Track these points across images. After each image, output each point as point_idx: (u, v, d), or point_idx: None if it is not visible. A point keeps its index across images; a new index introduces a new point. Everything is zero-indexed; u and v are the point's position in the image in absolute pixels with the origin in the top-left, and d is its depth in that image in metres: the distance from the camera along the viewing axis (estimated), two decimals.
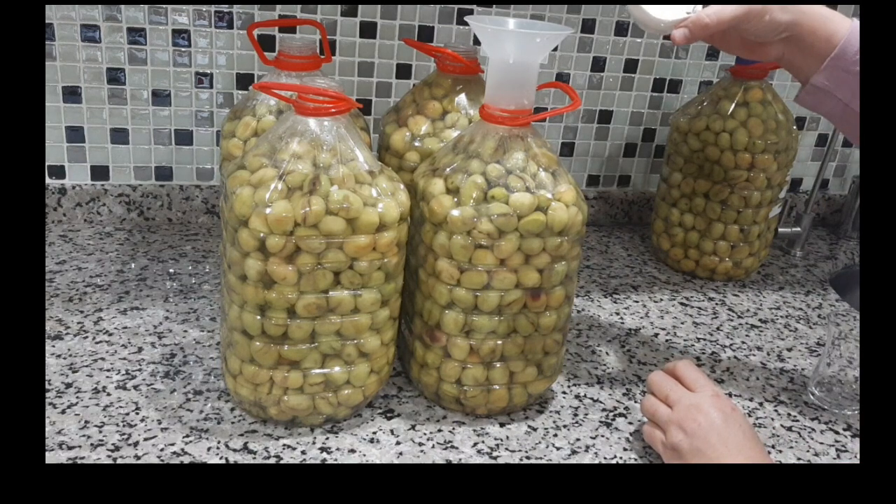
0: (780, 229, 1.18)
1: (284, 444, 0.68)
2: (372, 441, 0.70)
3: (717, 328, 0.96)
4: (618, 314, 0.97)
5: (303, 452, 0.67)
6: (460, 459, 0.69)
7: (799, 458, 0.74)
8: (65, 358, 0.76)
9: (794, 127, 1.04)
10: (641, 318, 0.97)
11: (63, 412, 0.69)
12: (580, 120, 1.19)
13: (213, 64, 1.03)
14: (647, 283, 1.06)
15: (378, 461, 0.67)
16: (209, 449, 0.66)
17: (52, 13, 0.96)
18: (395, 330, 0.71)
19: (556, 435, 0.73)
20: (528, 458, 0.70)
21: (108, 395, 0.71)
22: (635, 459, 0.71)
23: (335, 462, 0.67)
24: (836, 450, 0.76)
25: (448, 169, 0.69)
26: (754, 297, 1.05)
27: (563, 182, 0.69)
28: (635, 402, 0.79)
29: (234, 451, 0.66)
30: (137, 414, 0.69)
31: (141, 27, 0.99)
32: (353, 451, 0.68)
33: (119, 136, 1.04)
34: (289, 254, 0.62)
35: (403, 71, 1.09)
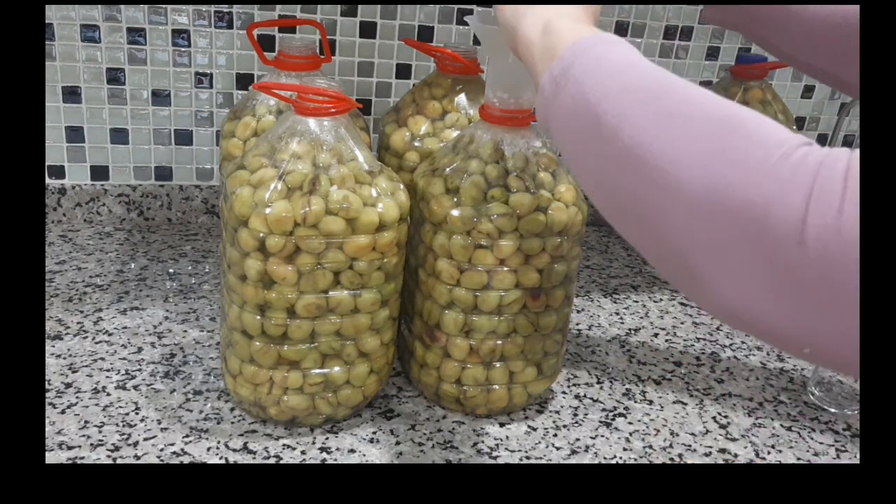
0: None
1: (284, 444, 0.68)
2: (372, 441, 0.70)
3: (717, 328, 0.96)
4: (618, 314, 0.97)
5: (303, 452, 0.67)
6: (460, 459, 0.69)
7: (799, 458, 0.74)
8: (64, 358, 0.76)
9: (794, 127, 1.04)
10: (641, 318, 0.97)
11: (63, 412, 0.69)
12: None
13: (213, 64, 1.03)
14: (647, 283, 1.06)
15: (378, 461, 0.67)
16: (209, 449, 0.66)
17: (52, 13, 0.96)
18: (394, 330, 0.71)
19: (555, 435, 0.73)
20: (527, 458, 0.70)
21: (108, 395, 0.71)
22: (635, 459, 0.71)
23: (335, 462, 0.67)
24: (836, 450, 0.76)
25: (448, 169, 0.69)
26: None
27: (563, 182, 0.69)
28: (635, 402, 0.79)
29: (234, 451, 0.66)
30: (137, 414, 0.69)
31: (141, 27, 0.99)
32: (352, 451, 0.68)
33: (119, 136, 1.04)
34: (288, 254, 0.62)
35: (403, 71, 1.09)
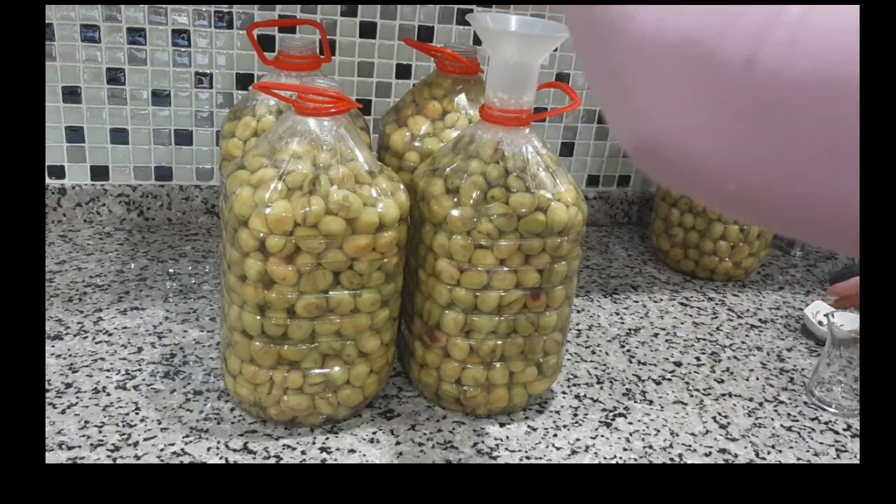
0: None
1: (284, 444, 0.68)
2: (372, 441, 0.70)
3: (717, 328, 0.96)
4: (618, 314, 0.97)
5: (303, 452, 0.67)
6: (460, 459, 0.69)
7: (799, 458, 0.74)
8: (65, 358, 0.76)
9: None
10: (641, 318, 0.97)
11: (63, 412, 0.69)
12: (580, 120, 1.19)
13: (213, 64, 1.03)
14: (647, 283, 1.06)
15: (378, 461, 0.67)
16: (209, 449, 0.66)
17: (52, 13, 0.96)
18: (394, 330, 0.71)
19: (555, 435, 0.73)
20: (527, 458, 0.70)
21: (108, 395, 0.71)
22: (635, 459, 0.71)
23: (335, 462, 0.67)
24: (836, 450, 0.76)
25: (448, 169, 0.69)
26: (754, 297, 1.05)
27: (563, 182, 0.69)
28: (635, 402, 0.79)
29: (234, 451, 0.66)
30: (137, 414, 0.69)
31: (141, 27, 0.99)
32: (353, 451, 0.68)
33: (119, 136, 1.04)
34: (289, 254, 0.62)
35: (403, 71, 1.09)
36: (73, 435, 0.66)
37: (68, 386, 0.72)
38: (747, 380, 0.86)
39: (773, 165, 0.36)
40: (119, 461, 0.64)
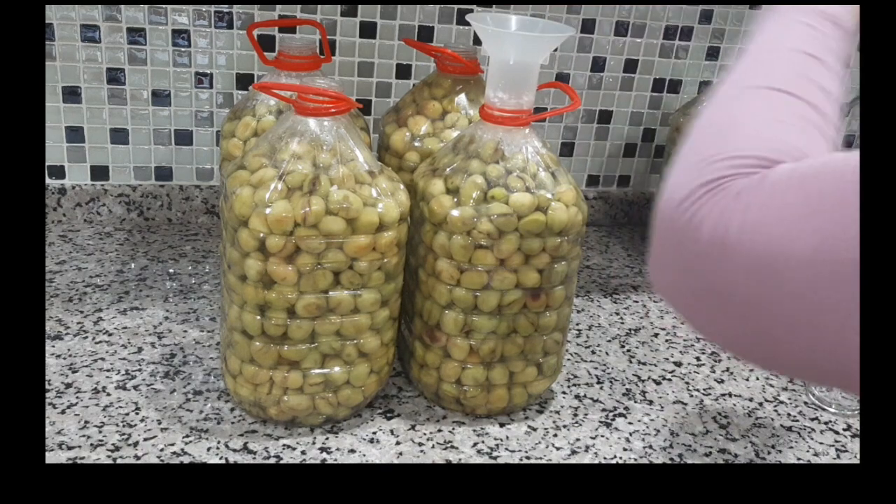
0: None
1: (284, 444, 0.68)
2: (372, 441, 0.70)
3: None
4: (618, 314, 0.97)
5: (303, 452, 0.67)
6: (460, 459, 0.69)
7: (799, 458, 0.74)
8: (65, 358, 0.76)
9: None
10: (641, 318, 0.97)
11: (63, 412, 0.69)
12: (580, 120, 1.19)
13: (213, 64, 1.03)
14: (647, 283, 1.06)
15: (378, 461, 0.67)
16: (209, 449, 0.66)
17: (52, 13, 0.96)
18: (394, 330, 0.71)
19: (555, 435, 0.73)
20: (527, 458, 0.70)
21: (108, 395, 0.71)
22: (635, 459, 0.71)
23: (335, 462, 0.67)
24: (836, 450, 0.76)
25: (448, 169, 0.69)
26: None
27: (563, 182, 0.69)
28: (635, 402, 0.79)
29: (234, 451, 0.66)
30: (137, 414, 0.69)
31: (141, 27, 0.99)
32: (353, 451, 0.68)
33: (119, 136, 1.04)
34: (289, 254, 0.62)
35: (403, 71, 1.09)
36: (73, 435, 0.66)
37: (68, 386, 0.72)
38: (747, 380, 0.86)
39: (732, 329, 0.42)
40: (119, 461, 0.64)
